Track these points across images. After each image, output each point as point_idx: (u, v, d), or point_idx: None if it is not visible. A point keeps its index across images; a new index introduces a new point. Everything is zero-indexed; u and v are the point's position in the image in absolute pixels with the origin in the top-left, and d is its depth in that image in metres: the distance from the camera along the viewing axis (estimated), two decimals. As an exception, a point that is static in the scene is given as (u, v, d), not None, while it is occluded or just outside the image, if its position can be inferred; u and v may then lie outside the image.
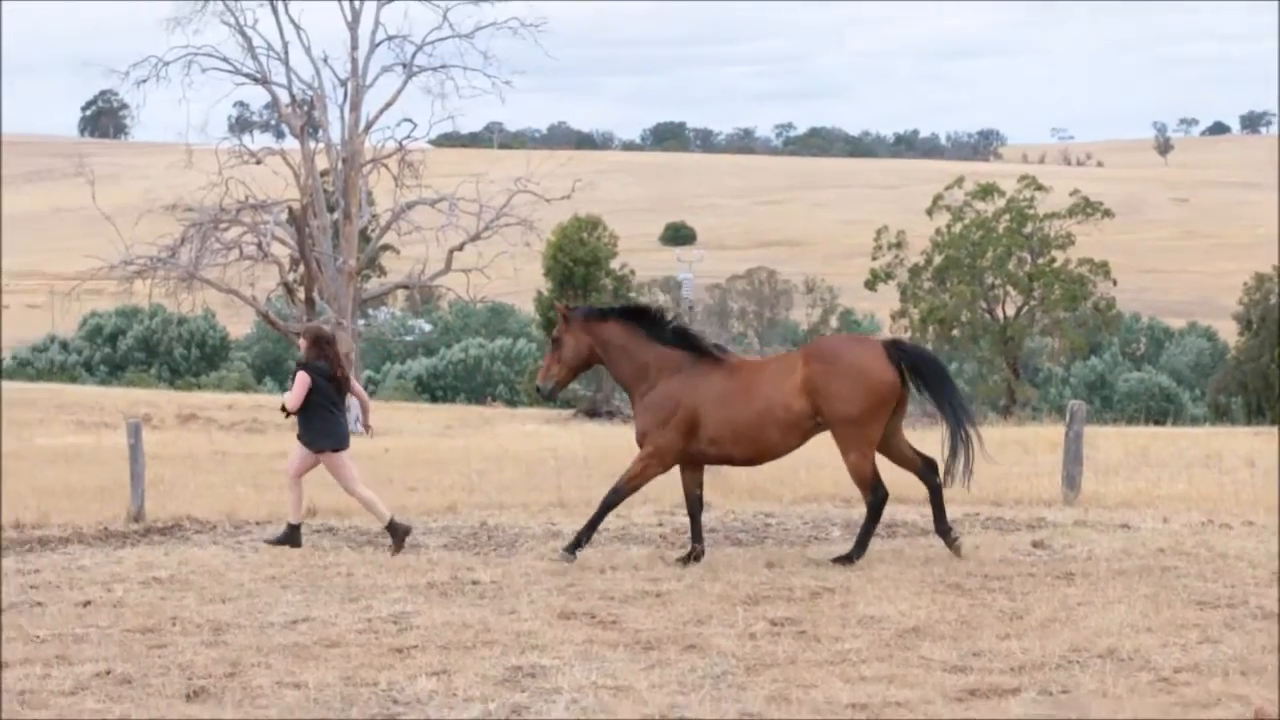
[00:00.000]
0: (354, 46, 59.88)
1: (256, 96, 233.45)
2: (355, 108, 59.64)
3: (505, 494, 23.87)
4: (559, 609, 14.12)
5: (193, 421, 58.76)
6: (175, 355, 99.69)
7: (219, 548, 18.88)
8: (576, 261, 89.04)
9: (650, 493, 19.68)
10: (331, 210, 59.90)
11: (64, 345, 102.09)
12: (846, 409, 16.22)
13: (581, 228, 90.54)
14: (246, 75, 60.05)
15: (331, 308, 58.46)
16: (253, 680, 11.52)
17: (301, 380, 18.25)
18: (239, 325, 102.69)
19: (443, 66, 60.90)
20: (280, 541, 18.46)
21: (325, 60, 60.30)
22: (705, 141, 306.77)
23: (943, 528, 16.91)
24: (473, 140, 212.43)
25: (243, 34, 59.56)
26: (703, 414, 16.51)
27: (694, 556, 16.68)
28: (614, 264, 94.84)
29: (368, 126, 59.89)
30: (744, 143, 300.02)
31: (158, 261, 57.63)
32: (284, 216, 59.32)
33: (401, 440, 45.80)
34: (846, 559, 16.41)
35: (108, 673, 11.77)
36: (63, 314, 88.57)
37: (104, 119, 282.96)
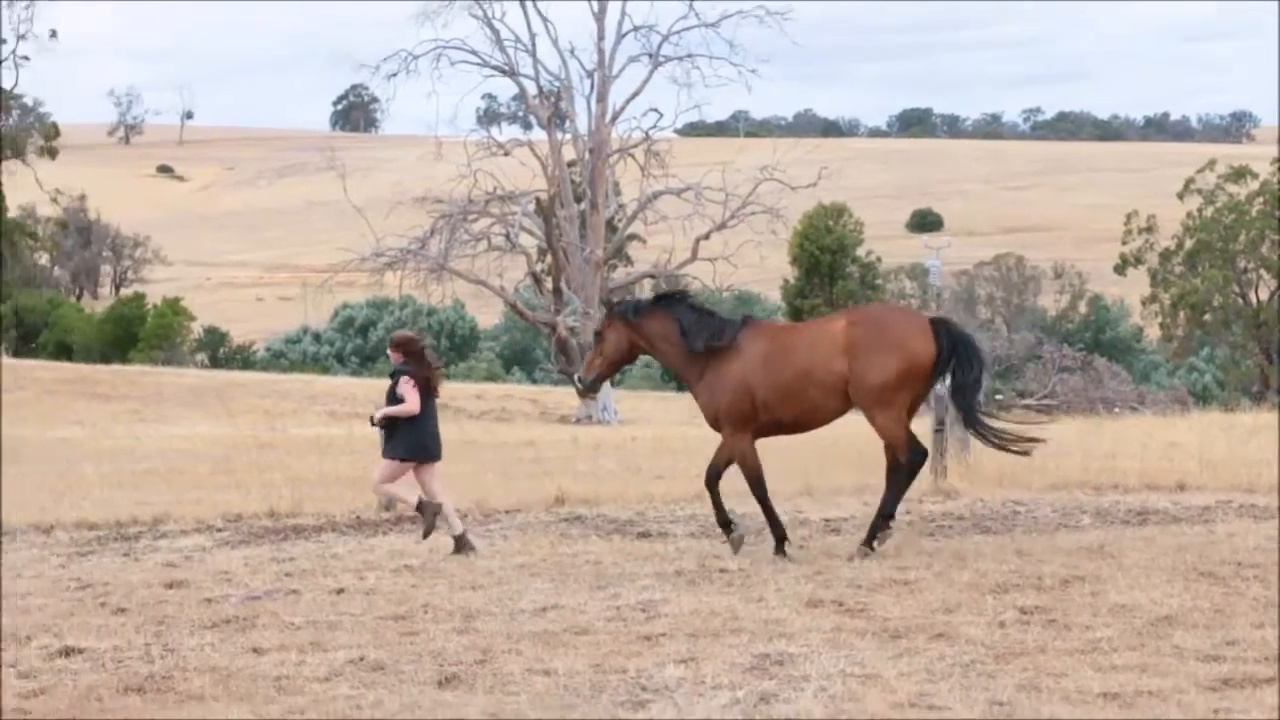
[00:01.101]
0: (600, 37, 60.27)
1: (504, 89, 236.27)
2: (602, 98, 60.02)
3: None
4: (806, 597, 14.05)
5: (442, 411, 59.37)
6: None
7: (471, 536, 19.08)
8: (823, 249, 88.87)
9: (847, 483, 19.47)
10: (578, 201, 60.34)
11: (316, 337, 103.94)
12: (880, 375, 16.16)
13: (827, 215, 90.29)
14: (494, 68, 60.74)
15: (578, 297, 58.92)
16: (503, 667, 11.60)
17: (408, 384, 17.73)
18: (487, 315, 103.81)
19: (688, 56, 61.12)
20: (428, 532, 17.72)
21: (572, 52, 60.84)
22: (952, 127, 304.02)
23: (885, 513, 16.59)
24: (718, 129, 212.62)
25: (490, 27, 60.29)
26: (752, 381, 16.51)
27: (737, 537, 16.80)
28: (860, 251, 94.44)
29: (614, 117, 60.23)
30: (991, 128, 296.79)
31: (407, 253, 58.50)
32: (531, 207, 59.89)
33: (648, 429, 46.01)
34: (883, 519, 16.47)
35: (361, 659, 11.93)
36: (315, 306, 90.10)
37: (355, 113, 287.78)
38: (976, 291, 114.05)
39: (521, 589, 14.96)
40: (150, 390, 63.48)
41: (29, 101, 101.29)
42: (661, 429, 45.89)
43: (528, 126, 74.06)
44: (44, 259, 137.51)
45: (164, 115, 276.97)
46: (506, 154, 60.44)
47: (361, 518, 21.50)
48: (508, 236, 58.95)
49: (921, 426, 17.30)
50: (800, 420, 16.84)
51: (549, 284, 60.85)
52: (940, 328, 16.56)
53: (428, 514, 17.63)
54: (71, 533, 20.73)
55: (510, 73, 60.71)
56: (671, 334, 16.92)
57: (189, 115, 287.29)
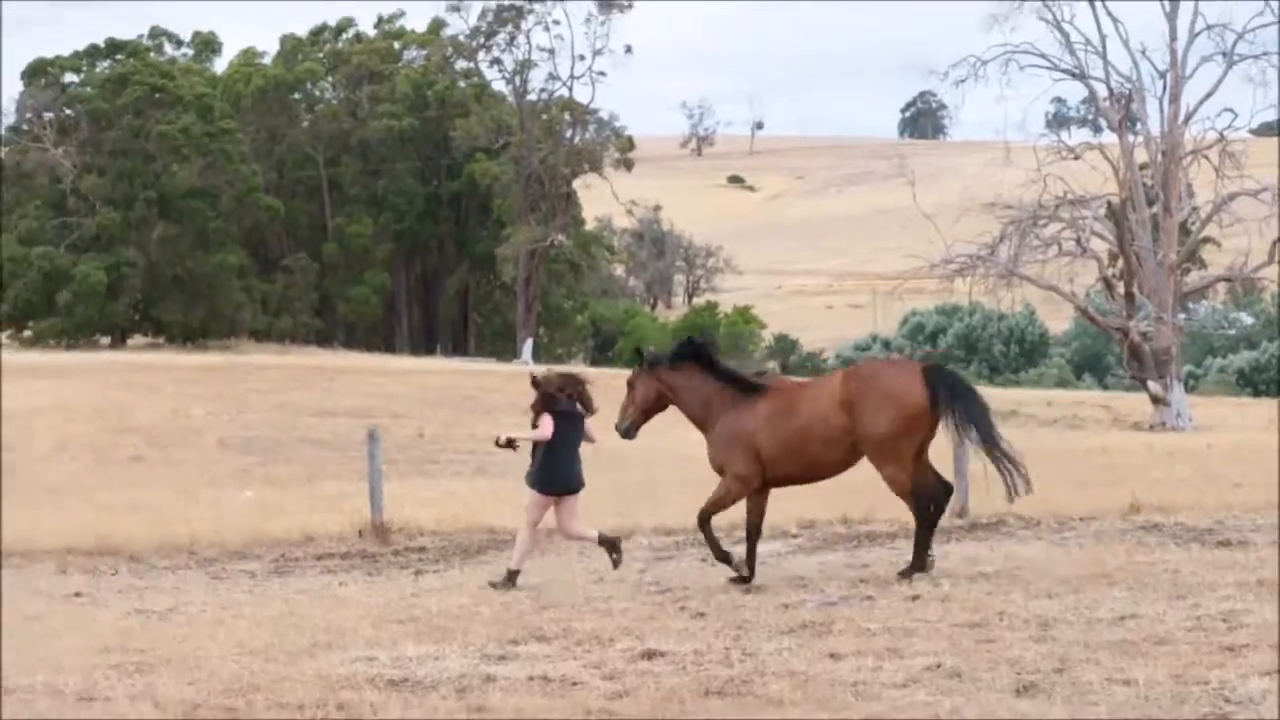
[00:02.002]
0: (1172, 38, 58.78)
1: (1074, 92, 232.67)
2: (1175, 99, 58.54)
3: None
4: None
5: (1012, 418, 58.94)
6: (994, 352, 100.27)
7: (1043, 544, 18.91)
8: None
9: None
10: (1150, 204, 58.98)
11: (885, 344, 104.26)
12: (878, 428, 16.64)
13: None
14: (1064, 71, 59.88)
15: (1151, 302, 57.61)
16: (1081, 676, 11.45)
17: (548, 422, 17.67)
18: (1058, 321, 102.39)
19: (1264, 54, 59.11)
20: (503, 585, 17.46)
21: (1143, 52, 59.51)
22: None
23: (921, 553, 16.92)
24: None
25: (1060, 29, 59.45)
26: (759, 438, 17.08)
27: (744, 579, 16.87)
28: None
29: (1187, 118, 58.68)
30: None
31: (977, 259, 58.15)
32: (1102, 211, 58.82)
33: (1224, 435, 44.69)
34: (914, 570, 16.67)
35: (937, 666, 11.92)
36: (884, 313, 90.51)
37: (923, 119, 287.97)
38: None
39: (1098, 598, 14.74)
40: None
41: (604, 115, 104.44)
42: (1239, 435, 44.49)
43: (1098, 130, 72.68)
44: (619, 270, 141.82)
45: (734, 126, 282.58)
46: (1076, 158, 59.53)
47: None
48: (1078, 241, 57.99)
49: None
50: (806, 474, 17.49)
51: (1120, 289, 59.61)
52: (931, 374, 16.91)
53: (614, 548, 17.76)
54: (650, 538, 21.32)
55: (1080, 75, 59.76)
56: (693, 383, 17.58)
57: (759, 125, 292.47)
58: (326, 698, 11.46)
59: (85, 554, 21.79)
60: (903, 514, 22.30)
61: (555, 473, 17.71)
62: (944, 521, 21.58)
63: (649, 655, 12.76)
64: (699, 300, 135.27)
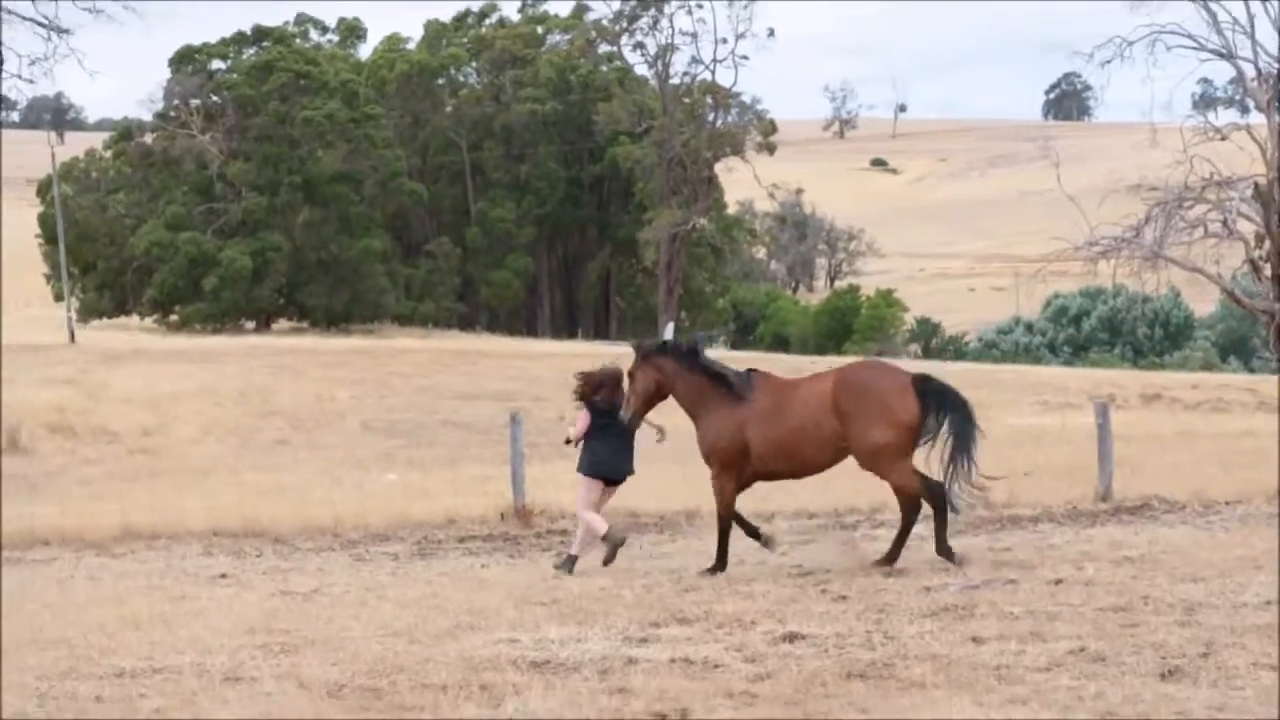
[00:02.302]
0: (1320, 17, 57.85)
1: (1221, 72, 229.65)
2: (1320, 81, 57.60)
3: None
4: None
5: (1157, 401, 58.37)
6: (1139, 335, 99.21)
7: (1188, 527, 18.71)
8: None
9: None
10: (1298, 185, 58.08)
11: (1028, 327, 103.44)
12: (875, 441, 16.85)
13: None
14: (1211, 51, 59.05)
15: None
16: (1227, 661, 11.32)
17: (583, 417, 18.39)
18: (1204, 304, 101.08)
19: None
20: (563, 568, 18.00)
21: (1292, 32, 58.57)
22: None
23: (898, 546, 17.16)
24: None
25: (1207, 9, 58.65)
26: (749, 433, 17.31)
27: (715, 570, 17.19)
28: None
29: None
30: None
31: (1121, 241, 57.54)
32: (1249, 193, 58.00)
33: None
34: (945, 554, 16.81)
35: (1081, 650, 11.83)
36: (1027, 296, 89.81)
37: (1067, 101, 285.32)
38: None
39: (1244, 582, 14.56)
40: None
41: (747, 99, 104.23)
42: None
43: (1245, 110, 71.75)
44: (761, 253, 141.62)
45: (877, 109, 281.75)
46: (1223, 139, 58.71)
47: (1078, 508, 21.32)
48: (1224, 223, 57.22)
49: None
50: (794, 471, 17.73)
51: (1267, 271, 58.78)
52: (920, 384, 17.06)
53: (610, 543, 18.00)
54: (791, 520, 21.30)
55: (1227, 55, 58.90)
56: (686, 373, 17.80)
57: (902, 108, 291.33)
58: (469, 679, 11.54)
59: (231, 536, 22.10)
60: (1046, 497, 22.23)
61: (594, 460, 18.28)
62: (1089, 505, 21.46)
63: (790, 638, 12.76)
64: (841, 284, 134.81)
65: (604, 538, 18.06)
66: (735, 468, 17.53)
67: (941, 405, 17.09)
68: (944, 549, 16.91)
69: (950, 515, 17.10)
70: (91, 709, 10.87)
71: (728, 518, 17.66)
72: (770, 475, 17.83)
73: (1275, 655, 11.43)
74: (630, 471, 18.46)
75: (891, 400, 16.95)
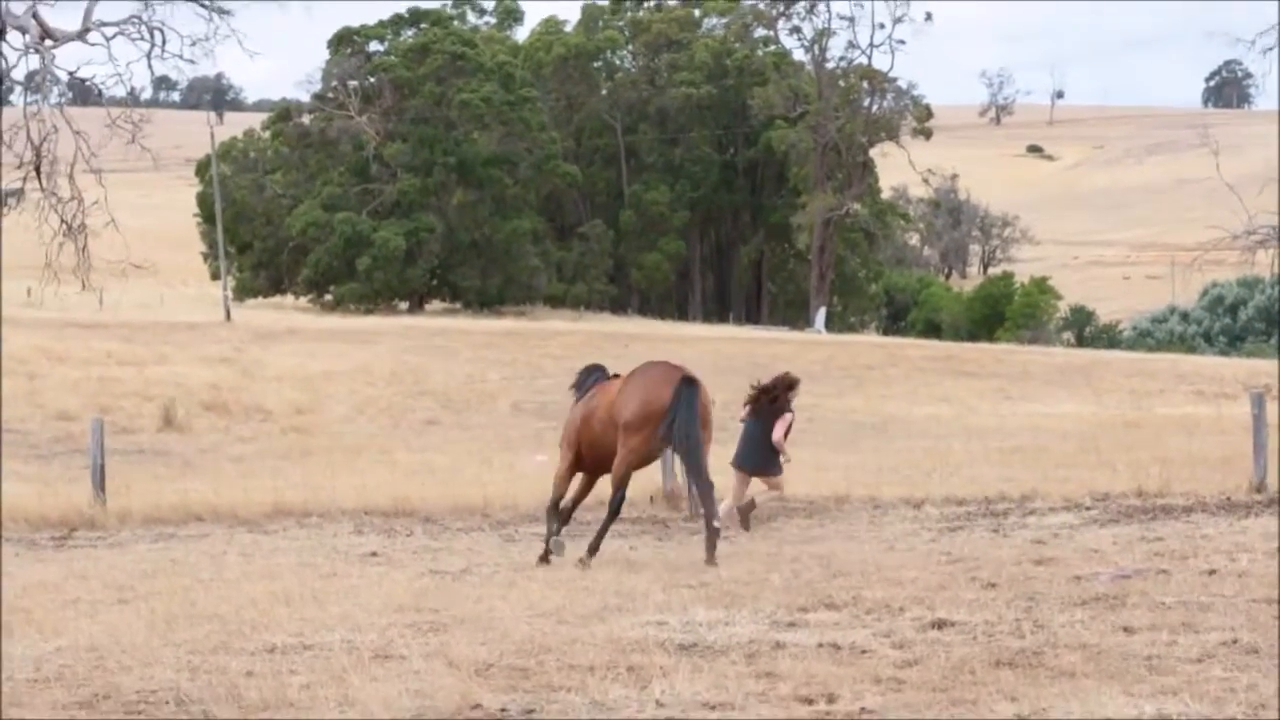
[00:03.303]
0: None
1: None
2: None
3: None
4: None
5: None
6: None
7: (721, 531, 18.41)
8: None
9: None
10: None
11: (1184, 316, 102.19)
12: (624, 414, 17.55)
13: None
14: (1375, 36, 58.08)
15: None
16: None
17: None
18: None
19: None
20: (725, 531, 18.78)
21: None
22: None
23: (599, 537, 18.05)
24: None
25: (1371, -7, 57.66)
26: (579, 428, 18.27)
27: (545, 558, 17.78)
28: None
29: None
30: None
31: (1280, 231, 56.73)
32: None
33: None
34: (592, 550, 17.66)
35: (1234, 642, 11.66)
36: (1183, 285, 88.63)
37: (1227, 88, 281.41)
38: None
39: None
40: (1017, 368, 63.87)
41: (903, 84, 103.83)
42: None
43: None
44: (914, 239, 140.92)
45: (1034, 95, 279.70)
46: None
47: (1232, 499, 21.03)
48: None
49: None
50: (607, 463, 18.04)
51: None
52: (683, 385, 17.37)
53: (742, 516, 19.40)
54: (941, 508, 21.17)
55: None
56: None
57: (1059, 95, 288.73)
58: (617, 660, 11.56)
59: (381, 515, 22.31)
60: (1199, 487, 21.95)
61: (738, 452, 19.58)
62: (1243, 496, 21.16)
63: (939, 625, 12.67)
64: (994, 270, 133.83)
65: (740, 511, 19.33)
66: (572, 458, 18.42)
67: (682, 409, 17.36)
68: (595, 545, 17.73)
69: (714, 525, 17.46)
70: (242, 684, 10.99)
71: (557, 501, 18.46)
72: (600, 466, 18.37)
73: None
74: (752, 464, 19.42)
75: (654, 384, 17.57)
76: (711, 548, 17.12)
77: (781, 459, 19.37)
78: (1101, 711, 9.75)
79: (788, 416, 19.38)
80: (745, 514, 19.47)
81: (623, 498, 18.11)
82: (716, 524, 17.46)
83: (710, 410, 17.78)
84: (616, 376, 18.46)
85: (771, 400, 19.42)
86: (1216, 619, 12.54)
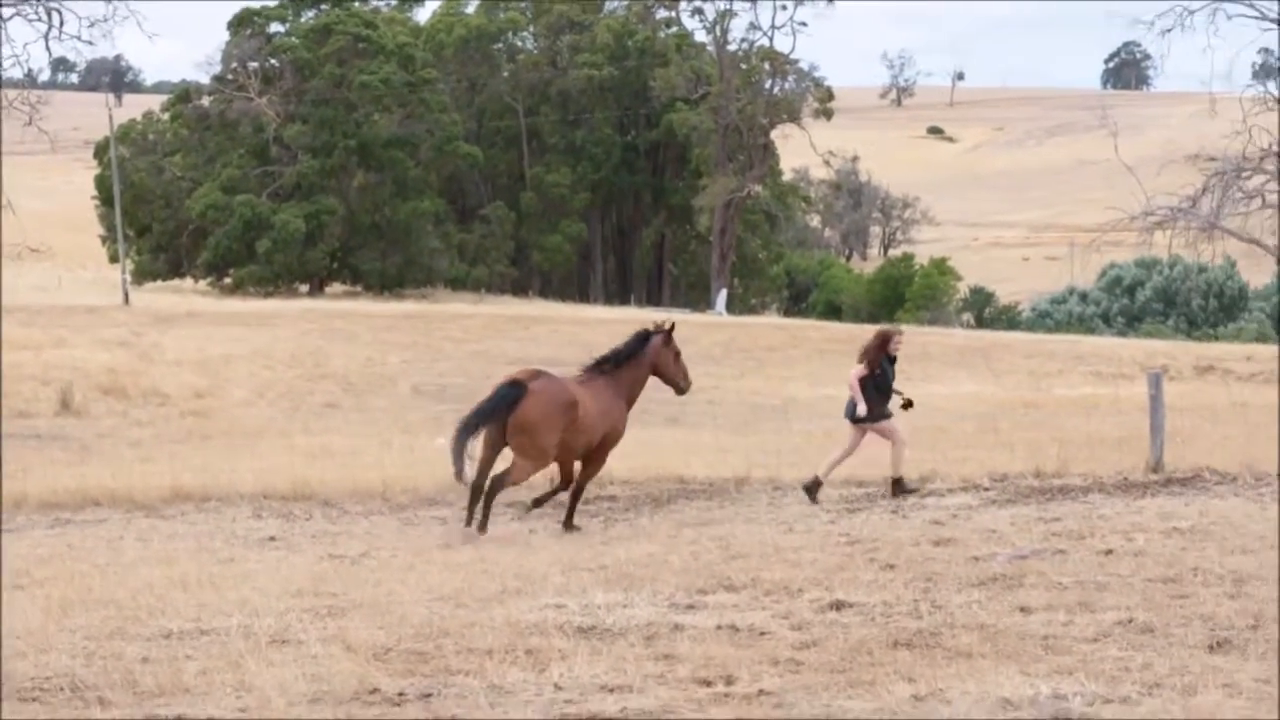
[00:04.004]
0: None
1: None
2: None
3: None
4: None
5: (1210, 373, 58.07)
6: (1193, 306, 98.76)
7: (1239, 499, 18.59)
8: None
9: None
10: None
11: (1082, 297, 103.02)
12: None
13: None
14: (1273, 20, 58.62)
15: (1358, 255, 56.32)
16: (1276, 633, 11.23)
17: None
18: (1259, 275, 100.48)
19: None
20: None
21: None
22: None
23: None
24: None
25: (1271, -23, 58.18)
26: None
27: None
28: None
29: None
30: None
31: (1178, 212, 57.20)
32: (1308, 162, 57.52)
33: None
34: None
35: (1130, 621, 11.76)
36: (1082, 266, 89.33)
37: (1126, 70, 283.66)
38: None
39: (1296, 553, 14.46)
40: (916, 350, 64.13)
41: (804, 66, 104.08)
42: None
43: (1306, 79, 71.05)
44: (815, 221, 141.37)
45: (935, 77, 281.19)
46: (1272, 109, 58.31)
47: (1129, 479, 21.20)
48: (1289, 194, 56.84)
49: None
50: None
51: (1324, 241, 58.45)
52: (501, 389, 18.70)
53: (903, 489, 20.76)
54: (840, 489, 21.24)
55: (1291, 24, 58.51)
56: None
57: (960, 76, 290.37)
58: (515, 643, 11.54)
59: (280, 498, 22.18)
60: (1097, 468, 22.13)
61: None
62: (1140, 476, 21.35)
63: (837, 606, 12.72)
64: (895, 252, 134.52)
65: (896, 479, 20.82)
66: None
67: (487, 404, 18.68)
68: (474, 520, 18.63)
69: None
70: (137, 669, 10.90)
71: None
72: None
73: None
74: (851, 415, 21.03)
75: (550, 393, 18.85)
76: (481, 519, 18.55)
77: (858, 410, 20.69)
78: (998, 691, 9.81)
79: (858, 368, 20.90)
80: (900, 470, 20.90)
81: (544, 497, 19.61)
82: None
83: (530, 416, 18.46)
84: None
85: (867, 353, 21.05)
86: (1112, 598, 12.65)
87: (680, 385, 20.31)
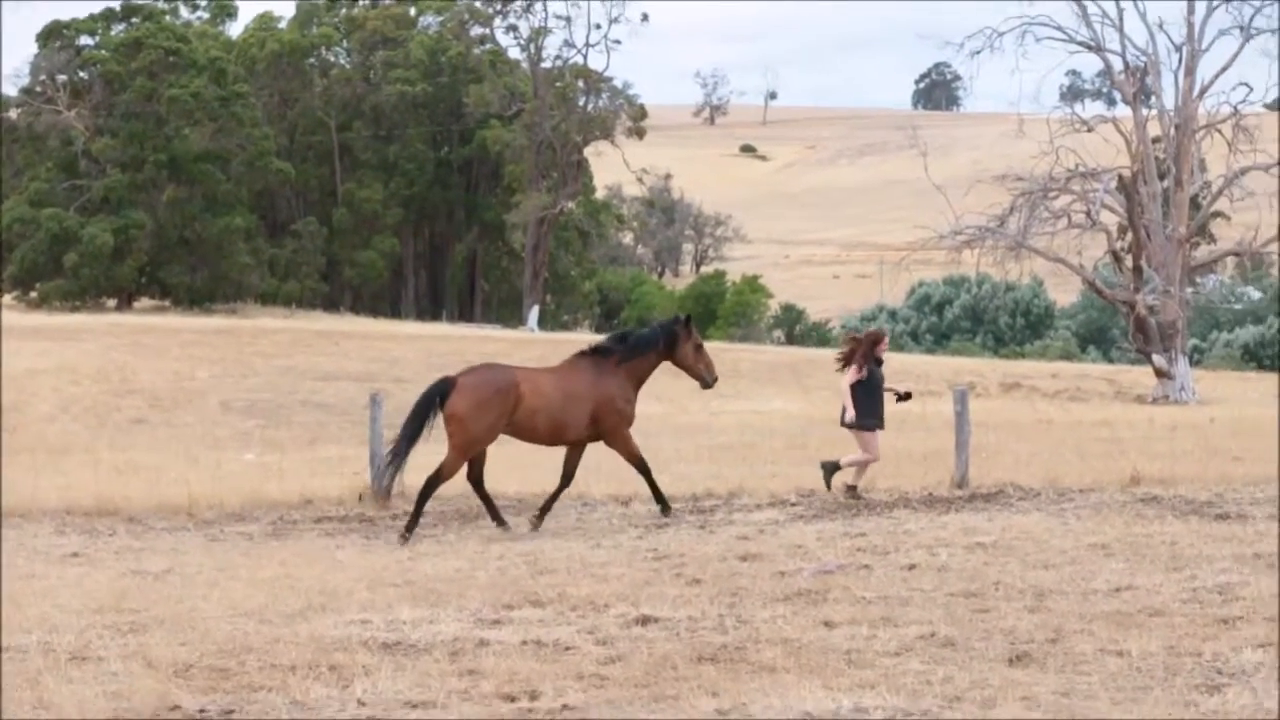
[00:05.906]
0: (1191, 11, 58.66)
1: (1089, 64, 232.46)
2: (1190, 73, 58.42)
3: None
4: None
5: (1016, 390, 58.97)
6: (1000, 324, 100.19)
7: (1042, 515, 18.87)
8: None
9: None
10: (1162, 178, 58.88)
11: (892, 314, 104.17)
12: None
13: None
14: (1080, 43, 59.76)
15: (1159, 275, 57.51)
16: (1075, 647, 11.43)
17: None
18: (1065, 293, 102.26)
19: (1282, 28, 58.90)
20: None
21: (1160, 26, 59.38)
22: None
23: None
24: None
25: (1078, 2, 59.28)
26: None
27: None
28: None
29: (1202, 92, 58.55)
30: None
31: (986, 231, 58.07)
32: (1114, 184, 58.69)
33: (1227, 409, 44.66)
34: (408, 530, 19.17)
35: (931, 635, 11.90)
36: (891, 284, 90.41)
37: (937, 91, 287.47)
38: None
39: (1095, 569, 14.72)
40: (728, 366, 64.39)
41: (618, 84, 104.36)
42: (1241, 409, 44.46)
43: (1111, 103, 72.83)
44: (628, 237, 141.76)
45: (748, 96, 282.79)
46: (1090, 130, 59.43)
47: (934, 494, 21.47)
48: (1088, 214, 57.90)
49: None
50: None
51: (1129, 262, 59.60)
52: (438, 383, 19.55)
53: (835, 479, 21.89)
54: (648, 505, 21.29)
55: (1096, 48, 59.59)
56: None
57: (773, 95, 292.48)
58: (319, 659, 11.46)
59: (84, 514, 21.82)
60: (903, 483, 22.39)
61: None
62: (945, 491, 21.64)
63: (643, 621, 12.75)
64: (707, 269, 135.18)
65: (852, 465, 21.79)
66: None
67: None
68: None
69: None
70: (-70, 688, 10.69)
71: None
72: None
73: (1121, 642, 11.54)
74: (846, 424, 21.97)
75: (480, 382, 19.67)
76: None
77: (847, 415, 21.54)
78: (801, 705, 9.88)
79: (850, 371, 21.71)
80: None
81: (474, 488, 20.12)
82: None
83: (457, 407, 19.08)
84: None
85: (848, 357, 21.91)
86: (915, 613, 12.79)
87: (705, 378, 20.92)
